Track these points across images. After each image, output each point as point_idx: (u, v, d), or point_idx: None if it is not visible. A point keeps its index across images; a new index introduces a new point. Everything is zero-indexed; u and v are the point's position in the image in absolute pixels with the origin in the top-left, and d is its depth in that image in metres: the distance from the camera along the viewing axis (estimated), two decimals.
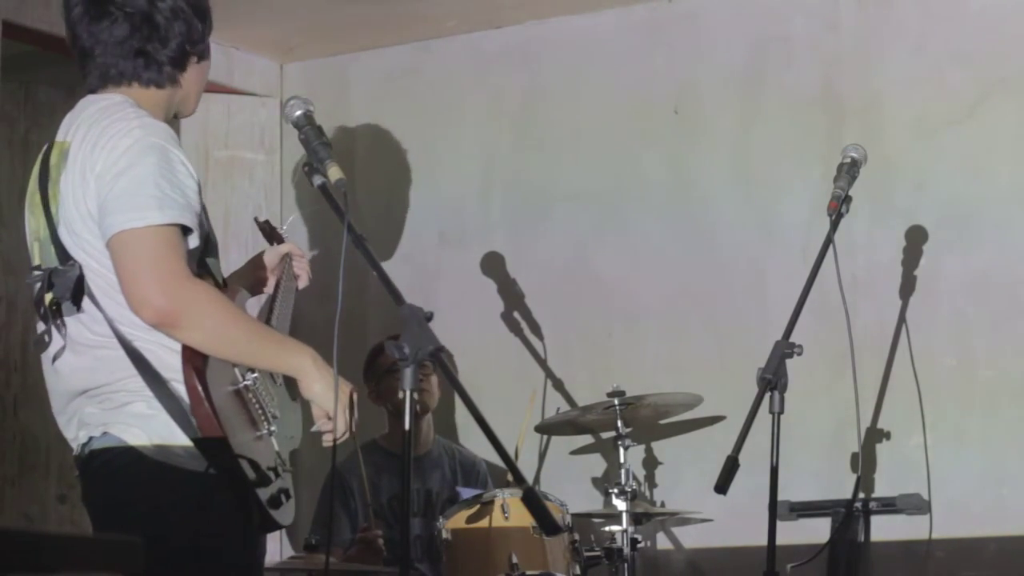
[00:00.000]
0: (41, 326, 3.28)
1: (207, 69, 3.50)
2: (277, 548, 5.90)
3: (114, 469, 3.21)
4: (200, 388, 3.12)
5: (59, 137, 3.33)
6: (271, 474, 3.24)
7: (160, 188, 3.15)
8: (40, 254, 3.30)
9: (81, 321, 3.23)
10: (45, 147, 3.38)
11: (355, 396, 3.31)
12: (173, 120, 3.45)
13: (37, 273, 3.27)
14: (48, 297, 3.23)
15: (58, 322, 3.23)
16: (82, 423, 3.26)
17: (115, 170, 3.17)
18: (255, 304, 3.78)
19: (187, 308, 3.11)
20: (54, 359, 3.27)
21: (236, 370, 3.26)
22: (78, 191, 3.22)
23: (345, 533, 5.18)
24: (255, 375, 3.29)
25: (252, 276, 3.80)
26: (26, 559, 1.98)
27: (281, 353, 3.26)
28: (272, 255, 3.85)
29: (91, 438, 3.24)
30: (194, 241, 3.24)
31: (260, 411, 3.30)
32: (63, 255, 3.24)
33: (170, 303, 3.09)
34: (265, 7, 5.71)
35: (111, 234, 3.14)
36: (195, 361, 3.14)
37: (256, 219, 4.17)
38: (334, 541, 5.04)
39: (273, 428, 3.31)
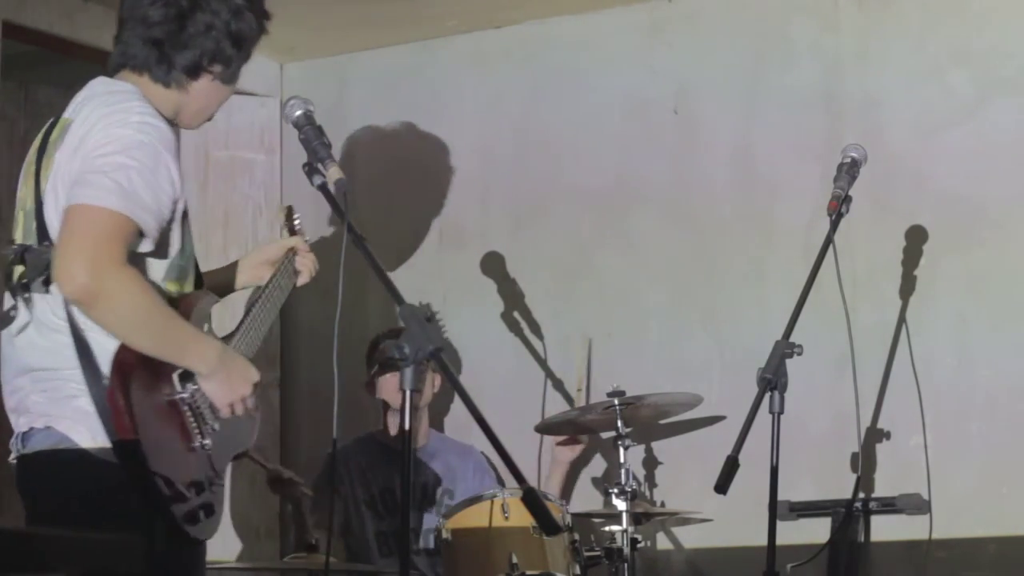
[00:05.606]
0: (9, 300, 3.29)
1: (224, 94, 3.50)
2: (277, 547, 5.90)
3: (57, 463, 3.22)
4: (121, 397, 3.11)
5: (65, 113, 3.36)
6: (191, 490, 3.21)
7: (132, 182, 3.16)
8: (24, 226, 3.32)
9: (47, 302, 3.25)
10: (50, 121, 3.40)
11: (256, 391, 3.31)
12: (173, 127, 3.43)
13: (12, 247, 3.29)
14: (18, 272, 3.25)
15: (26, 297, 3.25)
16: (24, 408, 3.28)
17: (100, 151, 3.19)
18: (241, 298, 3.78)
19: (106, 291, 3.09)
20: (17, 333, 3.28)
21: (176, 379, 3.23)
22: (67, 167, 3.24)
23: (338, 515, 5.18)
24: (195, 387, 3.24)
25: (254, 267, 3.80)
26: (26, 559, 1.99)
27: (186, 349, 3.22)
28: (276, 249, 3.84)
29: (32, 428, 3.25)
30: (146, 246, 3.24)
31: (195, 424, 3.24)
32: (42, 233, 3.26)
33: (92, 282, 3.08)
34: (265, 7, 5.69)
35: (70, 204, 3.16)
36: (125, 367, 3.13)
37: (283, 205, 4.11)
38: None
39: (207, 442, 3.25)
